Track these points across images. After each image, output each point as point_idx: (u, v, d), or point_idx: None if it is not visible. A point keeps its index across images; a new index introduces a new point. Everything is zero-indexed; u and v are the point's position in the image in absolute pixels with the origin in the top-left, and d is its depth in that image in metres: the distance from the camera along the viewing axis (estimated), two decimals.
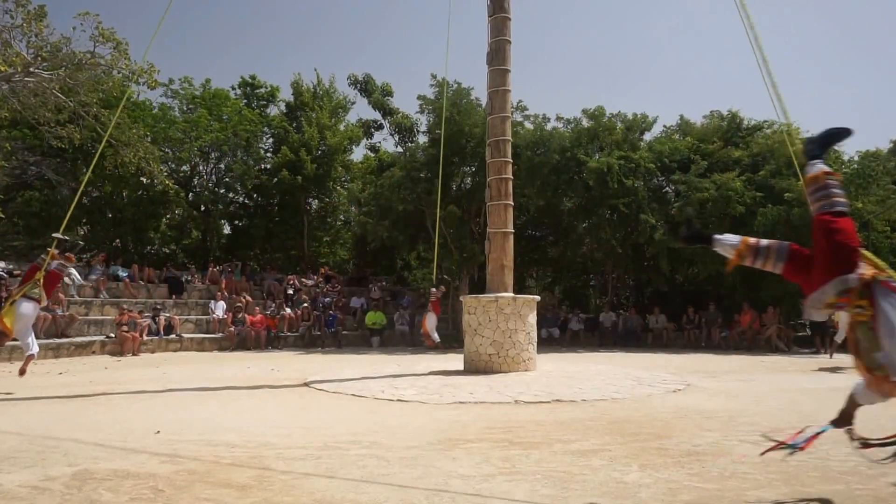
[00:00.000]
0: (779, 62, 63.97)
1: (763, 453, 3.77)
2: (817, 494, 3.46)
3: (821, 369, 11.18)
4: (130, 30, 53.08)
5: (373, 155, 24.15)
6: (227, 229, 26.49)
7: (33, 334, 8.24)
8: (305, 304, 19.12)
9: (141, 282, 18.20)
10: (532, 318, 10.19)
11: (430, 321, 15.61)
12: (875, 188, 16.20)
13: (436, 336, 15.82)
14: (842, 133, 3.73)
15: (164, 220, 24.44)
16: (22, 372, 8.14)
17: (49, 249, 8.03)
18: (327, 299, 19.85)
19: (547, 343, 17.63)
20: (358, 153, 27.47)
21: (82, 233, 23.07)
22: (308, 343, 18.14)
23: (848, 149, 19.20)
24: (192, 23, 61.22)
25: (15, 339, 8.39)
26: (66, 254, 8.41)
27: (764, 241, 3.63)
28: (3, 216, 16.77)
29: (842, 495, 3.43)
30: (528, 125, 19.86)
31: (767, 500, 3.36)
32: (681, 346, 17.32)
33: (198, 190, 24.40)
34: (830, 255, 3.29)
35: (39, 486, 3.69)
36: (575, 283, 25.12)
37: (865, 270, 3.22)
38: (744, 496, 3.43)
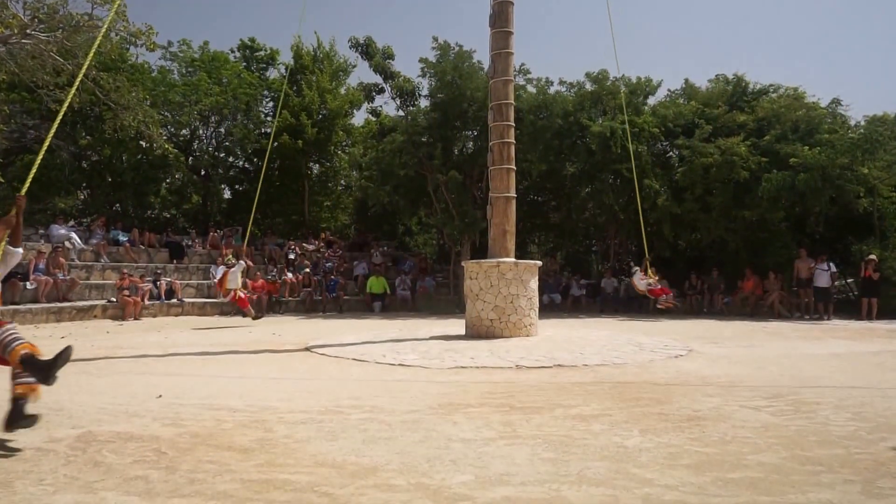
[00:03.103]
0: (786, 22, 62.84)
1: None
2: (817, 459, 3.47)
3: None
4: None
5: (374, 119, 23.86)
6: (227, 194, 26.39)
7: None
8: (307, 269, 19.14)
9: (141, 246, 18.23)
10: (534, 284, 10.19)
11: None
12: (882, 153, 16.00)
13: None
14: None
15: (164, 184, 24.31)
16: None
17: None
18: (329, 264, 19.86)
19: (548, 309, 17.67)
20: (359, 117, 27.21)
21: (82, 197, 23.00)
22: (309, 308, 18.23)
23: (855, 113, 18.95)
24: None
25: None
26: None
27: None
28: (2, 180, 16.68)
29: (841, 460, 3.44)
30: (531, 89, 19.59)
31: (767, 465, 3.37)
32: (683, 312, 17.36)
33: (198, 154, 24.22)
34: None
35: (44, 448, 3.72)
36: (577, 248, 25.08)
37: None
38: (744, 461, 3.44)
